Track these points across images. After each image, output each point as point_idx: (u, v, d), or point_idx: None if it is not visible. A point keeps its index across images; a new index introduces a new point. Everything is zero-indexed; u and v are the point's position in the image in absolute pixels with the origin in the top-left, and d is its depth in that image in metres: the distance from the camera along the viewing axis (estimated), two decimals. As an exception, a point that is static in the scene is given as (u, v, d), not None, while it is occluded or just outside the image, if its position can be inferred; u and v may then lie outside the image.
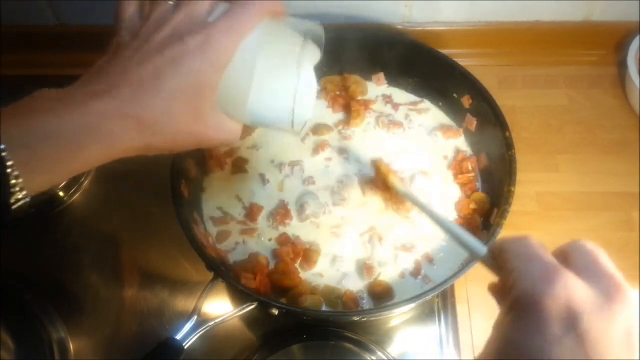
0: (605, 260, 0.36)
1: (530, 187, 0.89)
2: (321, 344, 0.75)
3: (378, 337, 0.77)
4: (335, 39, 0.89)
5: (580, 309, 0.32)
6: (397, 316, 0.79)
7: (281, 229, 0.81)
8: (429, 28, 1.00)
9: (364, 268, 0.77)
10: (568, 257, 0.37)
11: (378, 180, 0.81)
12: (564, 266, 0.35)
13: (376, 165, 0.82)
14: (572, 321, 0.31)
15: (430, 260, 0.78)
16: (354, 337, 0.75)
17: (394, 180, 0.78)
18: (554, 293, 0.32)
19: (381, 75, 0.94)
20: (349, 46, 0.90)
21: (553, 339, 0.31)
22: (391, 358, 0.75)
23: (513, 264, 0.37)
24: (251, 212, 0.82)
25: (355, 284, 0.77)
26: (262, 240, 0.81)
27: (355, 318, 0.76)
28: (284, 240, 0.80)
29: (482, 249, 0.44)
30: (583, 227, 0.86)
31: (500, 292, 0.40)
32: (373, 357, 0.74)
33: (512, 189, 0.73)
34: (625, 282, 0.34)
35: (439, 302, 0.80)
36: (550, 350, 0.31)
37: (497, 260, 0.40)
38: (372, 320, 0.78)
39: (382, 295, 0.75)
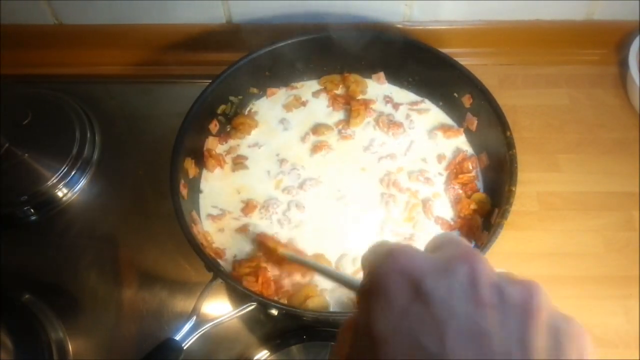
0: (458, 237, 0.35)
1: (531, 186, 0.88)
2: (321, 345, 0.74)
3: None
4: (336, 39, 0.89)
5: (420, 274, 0.30)
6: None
7: (274, 218, 0.82)
8: (430, 27, 1.00)
9: None
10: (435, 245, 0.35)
11: (265, 254, 0.78)
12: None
13: (258, 241, 0.79)
14: (415, 288, 0.30)
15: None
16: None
17: (283, 251, 0.75)
18: (391, 267, 0.31)
19: (381, 74, 0.93)
20: (349, 45, 0.89)
21: (400, 312, 0.29)
22: None
23: (364, 260, 0.35)
24: (247, 207, 0.82)
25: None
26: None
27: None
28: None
29: (357, 282, 0.42)
30: (584, 227, 0.85)
31: None
32: (373, 358, 0.73)
33: (513, 189, 0.73)
34: (470, 247, 0.33)
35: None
36: (400, 324, 0.29)
37: None
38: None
39: None
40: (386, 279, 0.31)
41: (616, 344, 0.77)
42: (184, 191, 0.78)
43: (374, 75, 0.94)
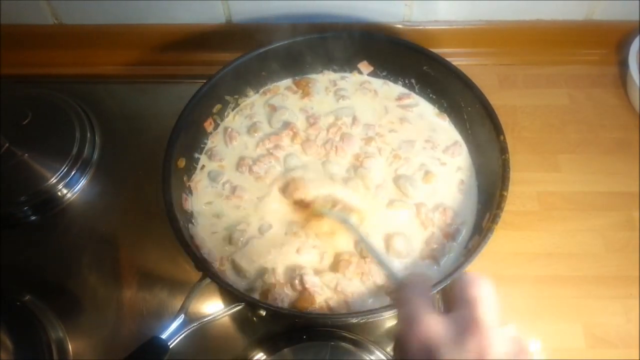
0: (478, 291, 0.40)
1: (531, 187, 0.88)
2: (320, 345, 0.74)
3: (377, 337, 0.76)
4: (334, 39, 0.89)
5: (436, 342, 0.38)
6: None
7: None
8: (430, 27, 1.00)
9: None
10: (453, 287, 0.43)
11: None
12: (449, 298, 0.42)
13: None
14: (430, 354, 0.38)
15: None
16: (353, 337, 0.75)
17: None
18: (413, 333, 0.39)
19: (366, 62, 0.92)
20: (347, 46, 0.89)
21: None
22: (391, 358, 0.74)
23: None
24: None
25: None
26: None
27: (354, 320, 0.74)
28: None
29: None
30: (584, 227, 0.85)
31: None
32: (372, 357, 0.73)
33: (505, 194, 0.72)
34: (484, 314, 0.39)
35: (439, 300, 0.79)
36: None
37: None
38: (371, 320, 0.77)
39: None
40: (408, 346, 0.39)
41: (616, 344, 0.76)
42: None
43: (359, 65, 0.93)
